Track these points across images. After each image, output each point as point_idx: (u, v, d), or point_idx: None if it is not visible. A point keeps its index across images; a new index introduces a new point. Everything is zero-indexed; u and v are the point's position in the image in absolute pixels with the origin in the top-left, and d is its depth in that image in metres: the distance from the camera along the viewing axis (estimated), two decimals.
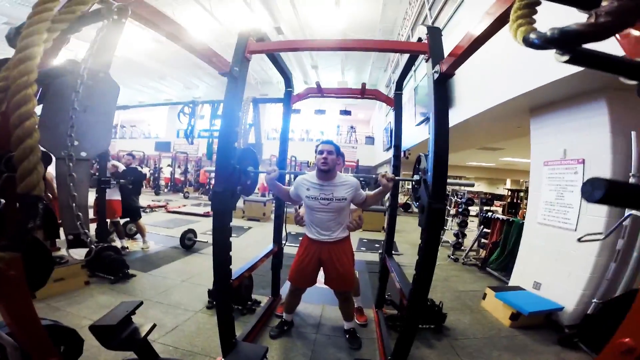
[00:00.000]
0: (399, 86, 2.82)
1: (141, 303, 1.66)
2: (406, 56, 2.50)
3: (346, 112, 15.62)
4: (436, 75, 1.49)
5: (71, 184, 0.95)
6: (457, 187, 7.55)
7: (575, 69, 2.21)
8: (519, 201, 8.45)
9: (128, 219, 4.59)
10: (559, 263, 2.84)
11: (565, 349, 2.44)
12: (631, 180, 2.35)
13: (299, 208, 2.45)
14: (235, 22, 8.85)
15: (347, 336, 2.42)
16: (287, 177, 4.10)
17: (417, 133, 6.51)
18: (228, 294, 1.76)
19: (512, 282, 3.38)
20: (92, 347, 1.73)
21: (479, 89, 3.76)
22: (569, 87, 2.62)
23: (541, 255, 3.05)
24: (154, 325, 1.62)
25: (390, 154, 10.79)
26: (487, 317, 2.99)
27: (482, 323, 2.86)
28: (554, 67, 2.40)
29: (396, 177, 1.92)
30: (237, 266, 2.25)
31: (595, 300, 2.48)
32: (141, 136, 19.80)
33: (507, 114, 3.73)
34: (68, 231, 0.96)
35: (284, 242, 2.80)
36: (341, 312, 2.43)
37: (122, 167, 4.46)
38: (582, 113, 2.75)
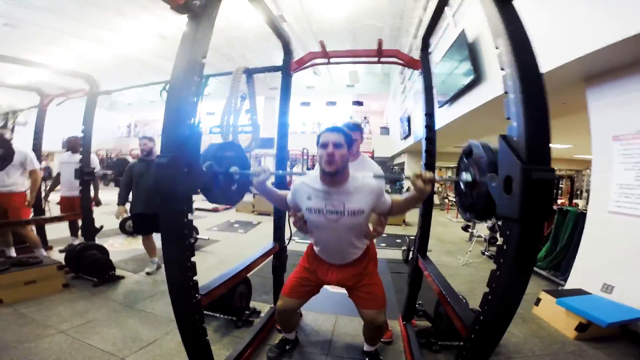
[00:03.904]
0: (426, 44, 2.22)
1: None
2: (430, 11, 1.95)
3: (358, 103, 14.97)
4: None
5: None
6: None
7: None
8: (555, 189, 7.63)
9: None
10: None
11: None
12: None
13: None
14: (234, 14, 8.47)
15: (367, 359, 1.88)
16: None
17: (439, 116, 5.86)
18: (193, 316, 1.23)
19: (570, 284, 2.74)
20: None
21: None
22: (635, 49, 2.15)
23: (614, 252, 2.43)
24: None
25: (408, 142, 10.00)
26: (544, 327, 2.41)
27: (539, 335, 2.29)
28: (612, 27, 2.07)
29: (436, 178, 1.37)
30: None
31: None
32: (155, 135, 19.80)
33: (552, 88, 3.06)
34: None
35: (288, 240, 2.28)
36: (364, 336, 1.86)
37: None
38: None
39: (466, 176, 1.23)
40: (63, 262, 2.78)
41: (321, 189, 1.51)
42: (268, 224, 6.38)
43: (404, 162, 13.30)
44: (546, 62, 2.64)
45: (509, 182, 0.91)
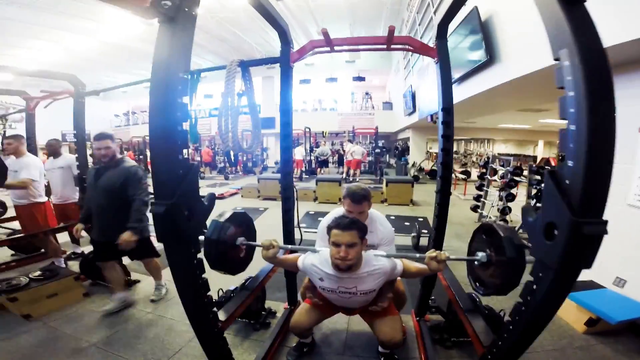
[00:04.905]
0: (443, 31, 1.95)
1: None
2: None
3: (360, 79, 14.48)
4: None
5: None
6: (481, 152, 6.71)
7: None
8: None
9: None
10: None
11: None
12: None
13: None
14: None
15: (382, 359, 1.95)
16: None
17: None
18: (218, 343, 1.27)
19: (583, 274, 2.73)
20: None
21: (534, 40, 2.79)
22: None
23: (630, 246, 2.38)
24: None
25: (413, 119, 9.67)
26: (554, 320, 2.42)
27: (549, 329, 2.32)
28: None
29: (451, 257, 1.31)
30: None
31: None
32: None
33: None
34: None
35: (298, 242, 2.29)
36: (379, 342, 1.88)
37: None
38: None
39: (481, 256, 1.24)
40: (79, 271, 2.82)
41: (333, 273, 1.55)
42: (274, 209, 6.37)
43: (408, 138, 13.11)
44: None
45: (552, 228, 0.80)
